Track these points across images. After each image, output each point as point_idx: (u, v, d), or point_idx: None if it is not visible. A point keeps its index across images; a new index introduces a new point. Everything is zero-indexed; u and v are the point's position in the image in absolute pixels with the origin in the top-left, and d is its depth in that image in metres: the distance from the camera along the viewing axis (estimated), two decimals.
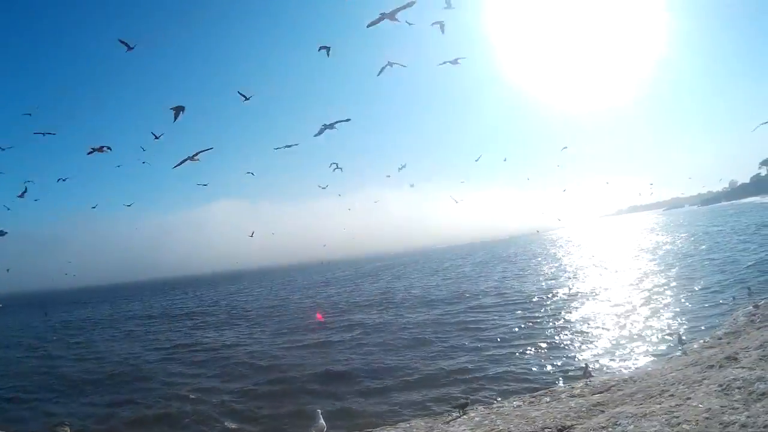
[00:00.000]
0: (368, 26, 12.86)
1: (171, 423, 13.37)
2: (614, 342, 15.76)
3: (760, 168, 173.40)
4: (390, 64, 16.55)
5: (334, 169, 27.76)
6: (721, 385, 6.39)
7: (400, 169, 35.10)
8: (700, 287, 22.76)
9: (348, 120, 17.63)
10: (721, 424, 5.30)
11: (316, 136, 17.82)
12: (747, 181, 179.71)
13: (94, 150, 16.07)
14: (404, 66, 17.91)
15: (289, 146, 21.26)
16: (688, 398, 6.27)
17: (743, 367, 7.04)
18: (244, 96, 17.25)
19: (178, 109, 14.89)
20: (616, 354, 14.45)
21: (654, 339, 15.33)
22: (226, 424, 12.79)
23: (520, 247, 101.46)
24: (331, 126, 17.16)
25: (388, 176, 39.41)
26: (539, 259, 59.35)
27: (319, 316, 30.11)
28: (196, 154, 14.47)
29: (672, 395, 6.63)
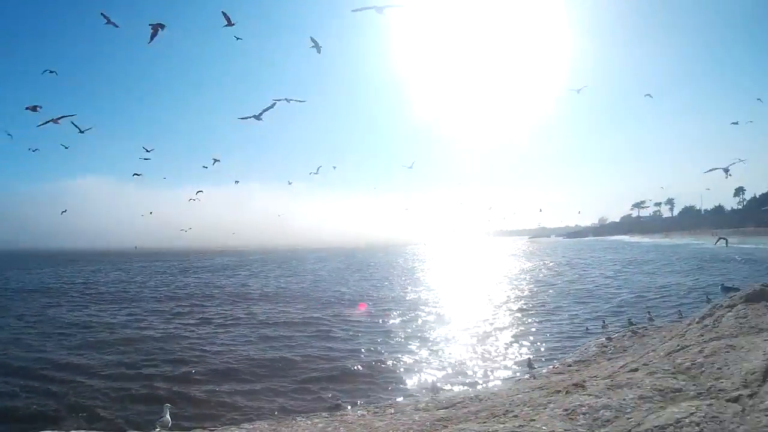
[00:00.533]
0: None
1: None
2: (465, 361, 16.22)
3: (632, 209, 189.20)
4: (286, 100, 17.01)
5: (214, 163, 27.58)
6: (566, 410, 6.57)
7: (214, 162, 35.15)
8: (556, 316, 24.03)
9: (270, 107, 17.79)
10: None
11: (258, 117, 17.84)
12: (617, 220, 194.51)
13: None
14: (302, 101, 18.51)
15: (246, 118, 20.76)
16: (532, 420, 6.39)
17: (590, 395, 7.27)
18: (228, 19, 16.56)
19: (157, 28, 14.47)
20: (466, 373, 14.90)
21: (505, 361, 15.95)
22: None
23: (387, 257, 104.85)
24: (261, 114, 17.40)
25: (205, 167, 38.69)
26: (404, 272, 60.81)
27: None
28: (60, 118, 14.82)
29: (516, 416, 6.77)
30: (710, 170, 23.72)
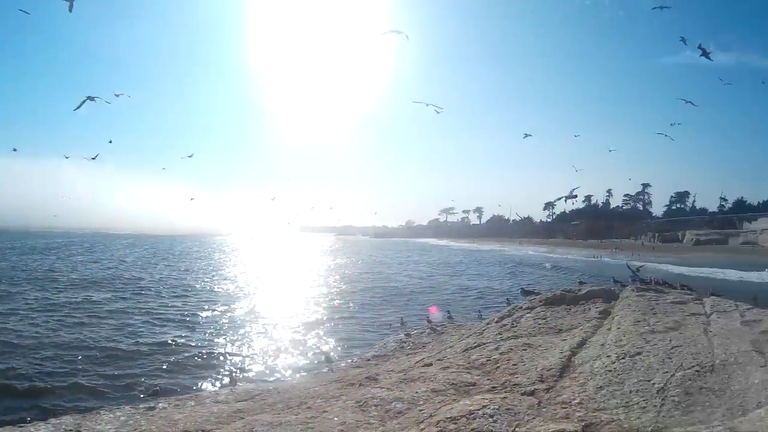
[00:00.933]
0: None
1: None
2: (268, 354, 16.47)
3: (440, 214, 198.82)
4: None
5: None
6: (358, 402, 6.76)
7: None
8: (361, 312, 24.67)
9: None
10: None
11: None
12: (425, 224, 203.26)
13: None
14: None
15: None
16: (325, 411, 6.54)
17: (382, 388, 7.56)
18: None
19: None
20: (268, 366, 15.22)
21: (306, 355, 16.33)
22: None
23: (196, 246, 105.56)
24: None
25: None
26: (212, 263, 60.82)
27: None
28: None
29: (309, 407, 6.88)
30: (559, 198, 25.68)
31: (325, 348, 17.12)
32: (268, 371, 14.67)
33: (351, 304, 27.29)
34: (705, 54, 30.32)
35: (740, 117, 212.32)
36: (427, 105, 26.95)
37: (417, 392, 7.07)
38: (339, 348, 17.23)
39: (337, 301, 28.37)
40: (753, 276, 42.69)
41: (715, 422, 5.56)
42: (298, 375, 13.88)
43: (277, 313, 23.76)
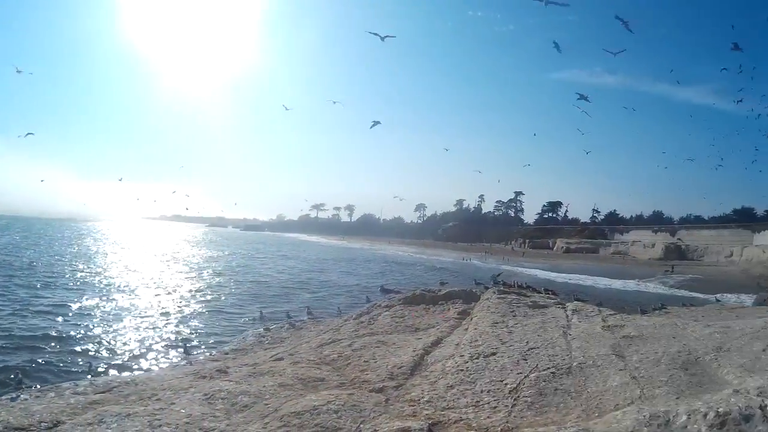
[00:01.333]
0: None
1: None
2: (131, 346, 16.05)
3: (311, 210, 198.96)
4: None
5: None
6: (206, 395, 6.88)
7: None
8: (226, 305, 24.29)
9: None
10: (200, 429, 5.72)
11: None
12: (295, 218, 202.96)
13: None
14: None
15: None
16: (173, 403, 6.64)
17: (231, 381, 7.64)
18: None
19: None
20: (131, 357, 14.84)
21: (167, 348, 15.92)
22: None
23: (67, 231, 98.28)
24: None
25: None
26: (83, 250, 58.59)
27: None
28: None
29: (159, 399, 6.97)
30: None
31: (185, 340, 16.78)
32: (130, 363, 14.29)
33: (215, 297, 26.94)
34: (583, 98, 33.80)
35: (621, 136, 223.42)
36: (383, 38, 26.75)
37: (264, 386, 7.15)
38: (202, 341, 16.97)
39: (204, 294, 27.93)
40: (618, 284, 45.06)
41: (569, 423, 5.78)
42: (158, 367, 13.73)
43: (146, 305, 23.24)
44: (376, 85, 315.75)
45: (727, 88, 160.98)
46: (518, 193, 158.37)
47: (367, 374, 7.69)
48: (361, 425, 5.64)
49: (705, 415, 5.02)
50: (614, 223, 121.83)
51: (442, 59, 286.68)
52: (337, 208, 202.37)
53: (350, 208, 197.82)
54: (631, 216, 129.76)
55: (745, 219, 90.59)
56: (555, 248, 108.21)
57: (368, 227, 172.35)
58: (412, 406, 6.44)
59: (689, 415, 5.12)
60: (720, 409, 5.05)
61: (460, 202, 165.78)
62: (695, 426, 4.97)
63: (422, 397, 6.74)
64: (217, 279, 36.30)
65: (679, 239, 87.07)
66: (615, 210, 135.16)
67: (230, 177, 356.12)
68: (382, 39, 26.64)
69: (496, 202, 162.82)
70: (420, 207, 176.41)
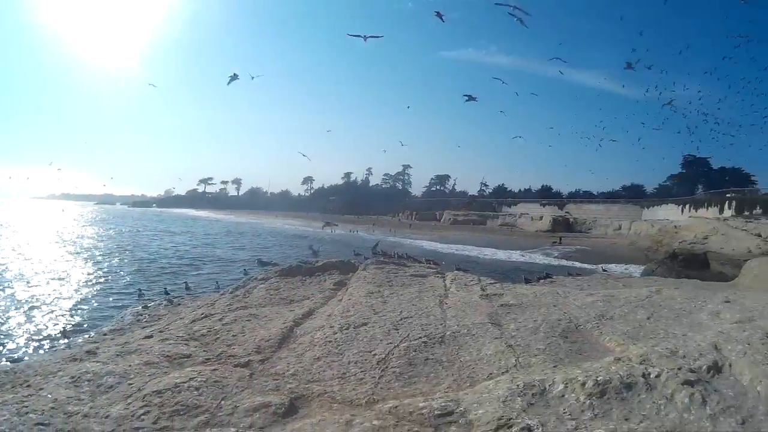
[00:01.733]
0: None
1: None
2: (13, 332, 15.55)
3: (198, 185, 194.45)
4: None
5: None
6: (73, 377, 6.67)
7: None
8: (106, 286, 23.64)
9: None
10: (65, 413, 5.55)
11: None
12: (183, 193, 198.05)
13: None
14: None
15: None
16: (41, 389, 6.39)
17: (98, 362, 7.42)
18: None
19: None
20: (14, 344, 14.43)
21: (49, 334, 15.42)
22: None
23: None
24: None
25: None
26: None
27: None
28: None
29: (29, 385, 6.65)
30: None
31: (68, 324, 16.33)
32: (10, 353, 13.74)
33: (98, 278, 26.16)
34: (471, 99, 35.24)
35: (513, 113, 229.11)
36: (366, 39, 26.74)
37: (131, 365, 7.05)
38: (82, 323, 16.54)
39: (87, 275, 26.98)
40: (502, 254, 46.59)
41: (437, 394, 5.89)
42: (38, 353, 13.35)
43: (32, 291, 22.06)
44: (272, 60, 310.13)
45: (619, 75, 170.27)
46: (406, 167, 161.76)
47: (234, 348, 7.70)
48: (222, 402, 5.69)
49: (583, 384, 5.15)
50: (503, 196, 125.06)
51: (338, 39, 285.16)
52: (225, 182, 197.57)
53: (237, 182, 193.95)
54: (520, 189, 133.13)
55: (633, 195, 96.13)
56: (442, 220, 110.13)
57: (256, 201, 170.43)
58: (276, 380, 6.50)
59: (566, 384, 5.25)
60: (599, 378, 5.20)
61: (347, 174, 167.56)
62: (573, 395, 5.08)
63: (287, 371, 6.83)
64: (102, 258, 35.08)
65: (567, 212, 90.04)
66: (503, 184, 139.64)
67: (117, 153, 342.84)
68: (365, 40, 26.36)
69: (384, 175, 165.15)
70: (307, 180, 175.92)
